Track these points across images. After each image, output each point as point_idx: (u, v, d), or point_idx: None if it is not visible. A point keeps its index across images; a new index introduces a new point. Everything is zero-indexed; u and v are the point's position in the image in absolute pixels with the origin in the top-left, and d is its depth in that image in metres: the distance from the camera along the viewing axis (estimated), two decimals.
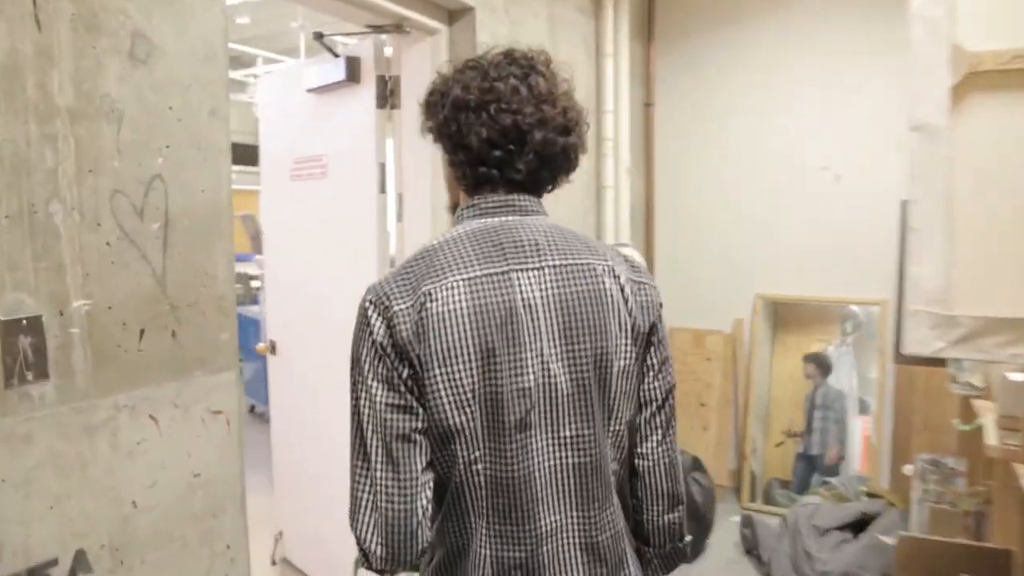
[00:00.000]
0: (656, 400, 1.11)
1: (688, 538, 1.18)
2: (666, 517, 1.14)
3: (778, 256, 4.10)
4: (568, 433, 1.03)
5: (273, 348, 3.15)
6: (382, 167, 2.57)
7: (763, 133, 4.08)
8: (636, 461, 1.12)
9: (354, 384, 1.02)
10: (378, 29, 2.55)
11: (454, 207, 1.16)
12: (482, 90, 1.05)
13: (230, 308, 1.68)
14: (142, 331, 1.50)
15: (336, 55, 2.73)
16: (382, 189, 2.57)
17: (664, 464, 1.12)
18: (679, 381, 4.33)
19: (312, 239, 2.92)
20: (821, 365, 4.07)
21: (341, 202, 2.75)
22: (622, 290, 1.07)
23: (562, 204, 3.27)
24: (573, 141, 1.10)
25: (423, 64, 2.58)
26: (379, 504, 0.99)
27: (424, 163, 2.52)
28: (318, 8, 2.53)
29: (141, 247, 1.49)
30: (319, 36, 2.70)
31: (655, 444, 1.12)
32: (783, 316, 4.22)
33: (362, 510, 1.00)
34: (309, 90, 2.86)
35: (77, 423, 1.38)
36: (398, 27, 2.54)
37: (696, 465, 3.66)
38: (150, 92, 1.50)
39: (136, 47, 1.47)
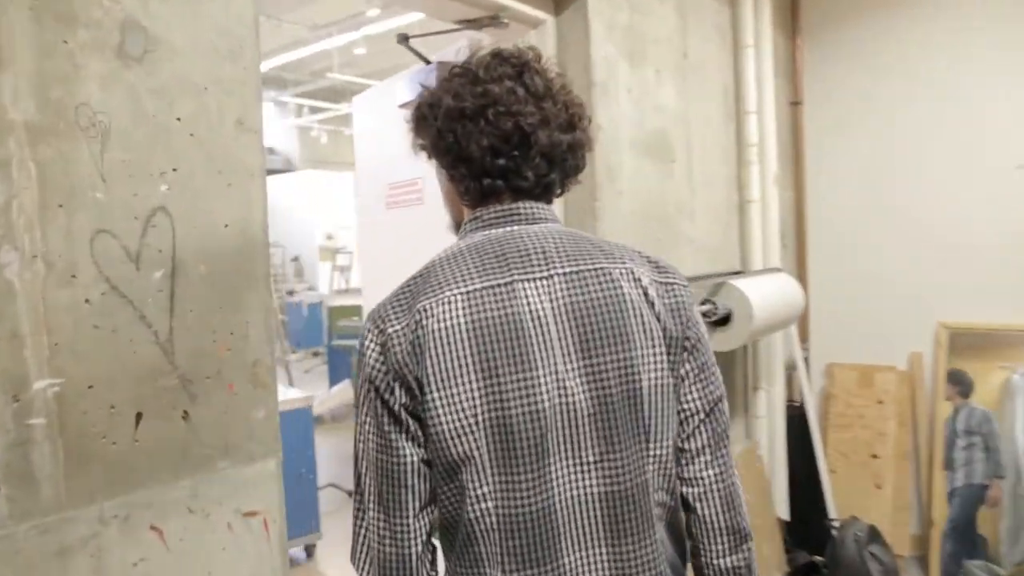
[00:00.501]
0: (699, 413, 0.98)
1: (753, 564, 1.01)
2: (729, 560, 0.98)
3: (961, 275, 3.36)
4: (592, 458, 0.92)
5: None
6: None
7: (935, 129, 3.37)
8: (684, 490, 0.98)
9: (356, 419, 0.96)
10: (471, 24, 2.15)
11: (457, 225, 1.09)
12: (476, 95, 0.97)
13: (267, 378, 1.29)
14: (139, 415, 1.12)
15: (428, 61, 2.35)
16: None
17: (718, 490, 0.97)
18: (839, 425, 3.88)
19: (408, 271, 2.56)
20: (960, 383, 3.34)
21: (438, 229, 2.36)
22: (645, 293, 0.96)
23: (699, 221, 2.74)
24: (579, 137, 1.02)
25: None
26: (372, 544, 0.93)
27: None
28: (404, 5, 2.16)
29: (137, 304, 1.12)
30: (404, 39, 2.32)
31: (703, 466, 0.97)
32: (956, 343, 3.44)
33: (358, 546, 0.95)
34: (401, 105, 2.50)
35: (42, 546, 1.02)
36: (494, 19, 2.12)
37: (873, 536, 2.99)
38: (149, 99, 1.13)
39: (128, 41, 1.11)
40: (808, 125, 3.71)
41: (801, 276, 3.70)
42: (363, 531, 0.95)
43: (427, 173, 2.37)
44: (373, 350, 0.93)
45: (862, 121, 3.57)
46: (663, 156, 2.52)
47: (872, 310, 3.59)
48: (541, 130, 0.96)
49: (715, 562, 0.98)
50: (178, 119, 1.17)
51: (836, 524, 3.23)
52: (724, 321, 2.49)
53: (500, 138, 0.96)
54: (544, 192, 1.02)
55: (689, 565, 1.03)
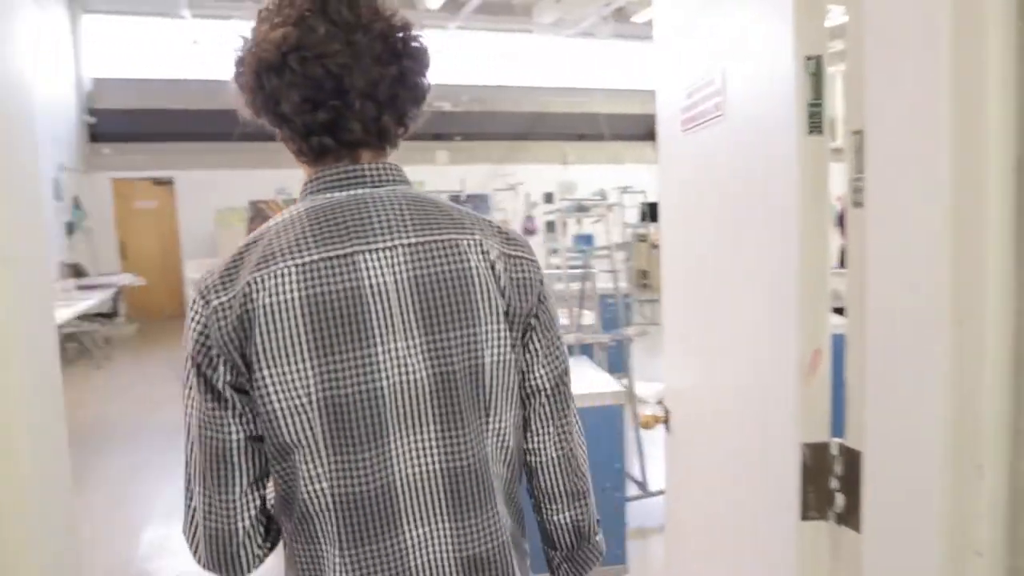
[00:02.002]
0: (544, 389, 0.97)
1: (599, 536, 1.04)
2: (566, 514, 1.00)
3: None
4: (433, 435, 0.88)
5: (666, 421, 1.87)
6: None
7: None
8: (528, 459, 0.99)
9: (182, 393, 0.91)
10: None
11: None
12: (275, 42, 0.85)
13: None
14: None
15: None
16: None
17: (558, 459, 0.99)
18: None
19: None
20: None
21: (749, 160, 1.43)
22: (492, 267, 0.92)
23: None
24: (407, 65, 0.90)
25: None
26: (198, 519, 0.91)
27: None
28: None
29: None
30: None
31: (546, 438, 0.98)
32: None
33: (187, 520, 0.93)
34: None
35: None
36: None
37: None
38: None
39: None
40: None
41: None
42: (190, 507, 0.92)
43: (728, 67, 1.44)
44: (197, 323, 0.87)
45: None
46: None
47: None
48: (355, 70, 0.86)
49: (554, 518, 1.00)
50: None
51: None
52: None
53: (311, 87, 0.86)
54: (381, 138, 0.93)
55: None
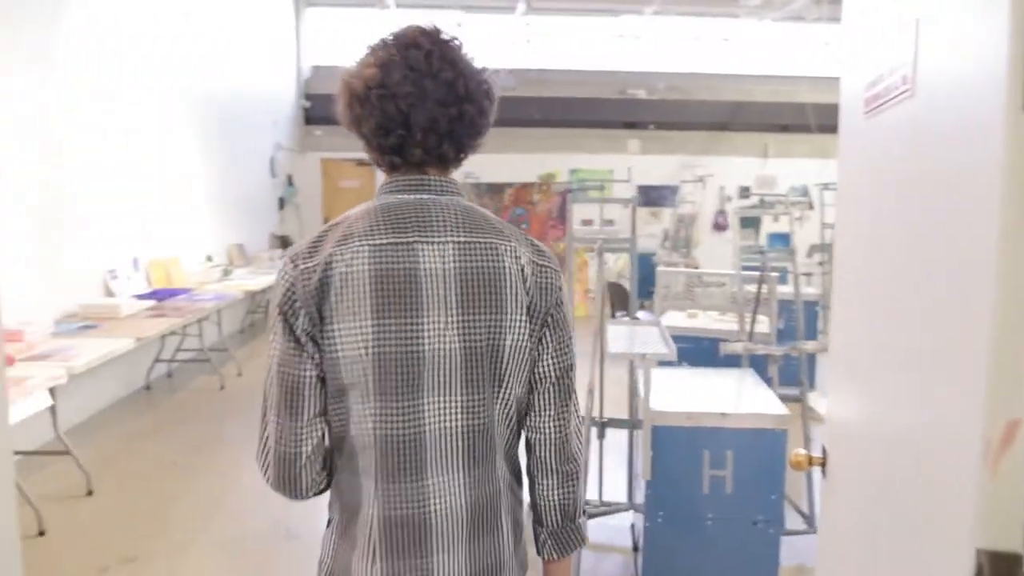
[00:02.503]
0: (550, 377, 1.16)
1: (582, 519, 1.22)
2: (556, 493, 1.18)
3: None
4: (459, 398, 1.09)
5: (823, 462, 1.56)
6: None
7: None
8: (528, 435, 1.18)
9: (269, 336, 1.12)
10: None
11: None
12: (366, 78, 1.08)
13: None
14: None
15: None
16: None
17: (554, 439, 1.17)
18: None
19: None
20: None
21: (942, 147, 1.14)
22: (522, 270, 1.12)
23: None
24: (467, 108, 1.10)
25: None
26: (270, 444, 1.11)
27: None
28: None
29: None
30: None
31: (546, 420, 1.16)
32: None
33: (260, 447, 1.14)
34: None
35: None
36: None
37: None
38: None
39: None
40: None
41: None
42: (264, 436, 1.13)
43: (922, 33, 1.13)
44: (286, 281, 1.09)
45: None
46: None
47: None
48: (418, 109, 1.07)
49: (545, 494, 1.18)
50: None
51: None
52: None
53: (384, 118, 1.08)
54: (440, 162, 1.14)
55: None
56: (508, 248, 1.11)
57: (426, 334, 1.06)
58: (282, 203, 10.72)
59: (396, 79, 1.06)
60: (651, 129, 12.59)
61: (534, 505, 1.20)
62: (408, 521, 1.08)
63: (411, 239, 1.07)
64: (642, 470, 2.66)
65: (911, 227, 1.13)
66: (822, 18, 10.62)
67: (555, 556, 1.20)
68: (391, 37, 1.11)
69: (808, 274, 9.22)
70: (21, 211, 4.74)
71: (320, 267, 1.05)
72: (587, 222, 12.57)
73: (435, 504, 1.08)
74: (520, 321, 1.10)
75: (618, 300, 7.93)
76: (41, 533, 3.42)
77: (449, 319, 1.06)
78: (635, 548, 3.20)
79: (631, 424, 3.42)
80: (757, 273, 3.89)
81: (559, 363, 1.16)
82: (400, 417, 1.06)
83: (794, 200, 5.08)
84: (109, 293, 5.59)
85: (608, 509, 3.52)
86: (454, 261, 1.08)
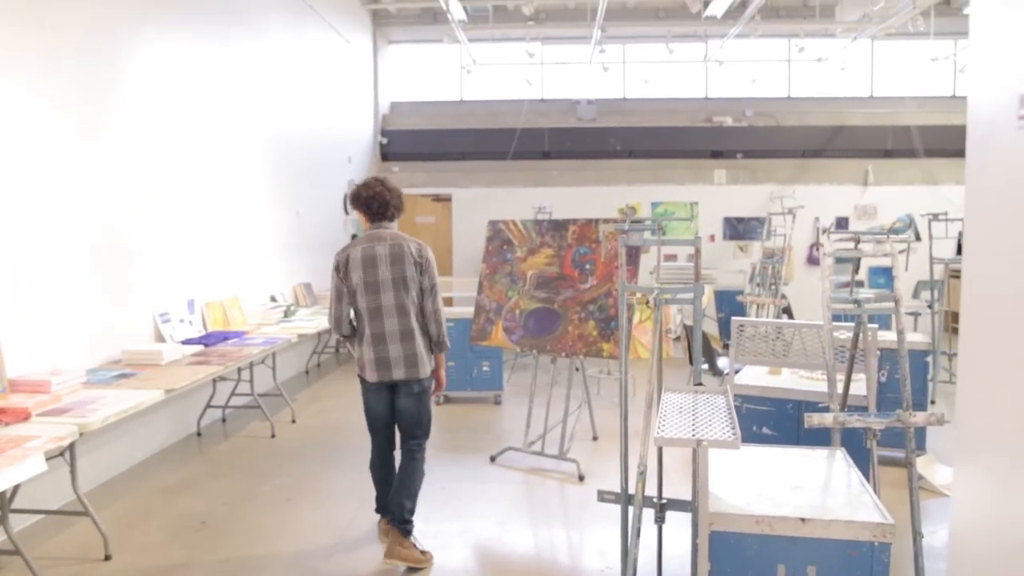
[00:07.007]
0: (427, 290, 3.79)
1: (445, 339, 3.85)
2: (433, 327, 3.81)
3: None
4: (391, 294, 3.71)
5: None
6: None
7: None
8: (424, 308, 3.82)
9: (332, 277, 3.84)
10: None
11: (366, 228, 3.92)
12: (367, 191, 3.83)
13: None
14: None
15: None
16: None
17: (431, 310, 3.79)
18: None
19: None
20: None
21: None
22: (412, 252, 3.74)
23: None
24: (390, 199, 3.84)
25: None
26: (332, 314, 3.84)
27: None
28: None
29: None
30: None
31: (428, 303, 3.80)
32: None
33: (330, 316, 3.87)
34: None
35: None
36: None
37: None
38: None
39: None
40: None
41: None
42: (331, 312, 3.85)
43: None
44: (338, 260, 3.79)
45: None
46: None
47: None
48: (378, 203, 3.83)
49: (431, 329, 3.83)
50: None
51: None
52: None
53: (367, 203, 3.83)
54: (389, 218, 3.87)
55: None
56: (407, 244, 3.76)
57: (380, 275, 3.70)
58: (354, 238, 10.61)
59: (372, 192, 3.81)
60: (738, 158, 11.90)
61: (427, 333, 3.83)
62: (378, 335, 3.71)
63: (375, 244, 3.74)
64: None
65: None
66: (934, 33, 9.72)
67: (437, 351, 3.87)
68: (371, 181, 3.87)
69: (915, 314, 8.26)
70: (84, 251, 4.65)
71: (346, 254, 3.76)
72: (670, 257, 11.90)
73: (387, 328, 3.70)
74: (413, 270, 3.73)
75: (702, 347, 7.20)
76: None
77: (387, 270, 3.70)
78: None
79: (694, 509, 2.86)
80: (850, 323, 3.28)
81: (430, 283, 3.80)
82: (374, 301, 3.71)
83: (895, 234, 4.37)
84: (160, 338, 5.46)
85: None
86: (388, 251, 3.72)
